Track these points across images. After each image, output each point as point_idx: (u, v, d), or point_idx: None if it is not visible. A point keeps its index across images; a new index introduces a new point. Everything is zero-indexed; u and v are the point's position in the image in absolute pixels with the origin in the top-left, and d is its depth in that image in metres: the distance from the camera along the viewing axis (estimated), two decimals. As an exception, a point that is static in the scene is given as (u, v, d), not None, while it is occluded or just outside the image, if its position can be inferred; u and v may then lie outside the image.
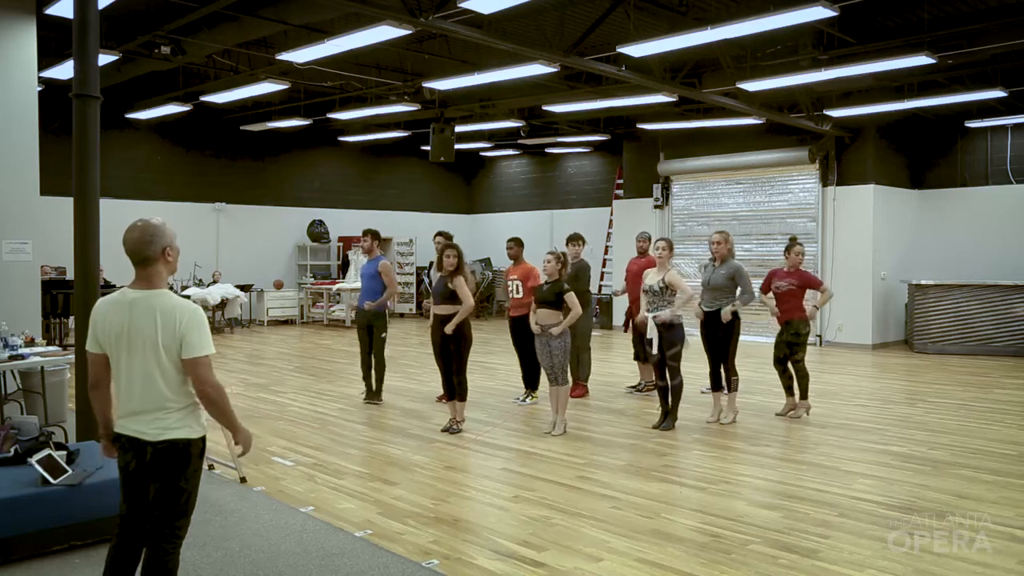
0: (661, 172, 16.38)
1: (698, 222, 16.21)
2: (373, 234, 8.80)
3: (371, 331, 8.60)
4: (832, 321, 14.21)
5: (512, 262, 8.79)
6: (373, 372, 8.69)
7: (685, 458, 6.48)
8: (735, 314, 7.52)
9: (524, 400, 8.67)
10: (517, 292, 8.50)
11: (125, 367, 3.06)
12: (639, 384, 9.23)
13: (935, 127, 14.17)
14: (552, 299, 7.10)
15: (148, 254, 3.04)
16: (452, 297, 7.14)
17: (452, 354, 7.22)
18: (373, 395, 8.71)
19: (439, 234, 8.50)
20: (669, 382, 7.34)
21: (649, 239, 9.16)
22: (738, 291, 7.52)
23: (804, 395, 7.89)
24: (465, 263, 7.38)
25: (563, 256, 7.28)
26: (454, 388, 7.30)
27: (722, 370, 7.63)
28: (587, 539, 4.58)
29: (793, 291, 7.81)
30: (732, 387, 7.70)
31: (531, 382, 8.71)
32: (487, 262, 19.96)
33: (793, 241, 8.12)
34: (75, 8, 5.57)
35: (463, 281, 7.17)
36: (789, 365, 7.89)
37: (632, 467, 6.16)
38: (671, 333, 7.22)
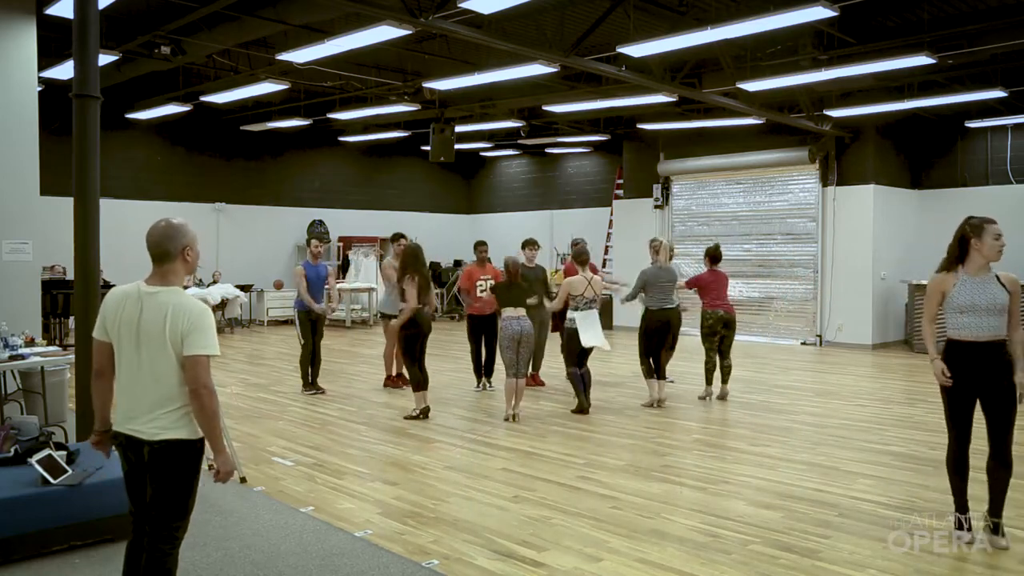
0: (661, 172, 16.38)
1: (698, 222, 16.21)
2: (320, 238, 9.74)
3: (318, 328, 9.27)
4: (832, 321, 14.22)
5: (480, 264, 9.56)
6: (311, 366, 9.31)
7: (685, 458, 6.48)
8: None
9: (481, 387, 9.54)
10: (489, 293, 9.03)
11: (132, 361, 3.07)
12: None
13: (935, 127, 14.16)
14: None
15: (167, 249, 3.09)
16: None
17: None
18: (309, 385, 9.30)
19: (401, 237, 9.34)
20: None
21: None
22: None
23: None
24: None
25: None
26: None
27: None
28: (587, 539, 4.58)
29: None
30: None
31: (489, 372, 9.56)
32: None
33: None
34: (75, 8, 5.57)
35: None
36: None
37: (632, 467, 6.17)
38: (568, 332, 8.07)
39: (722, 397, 8.78)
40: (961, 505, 4.52)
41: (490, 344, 9.37)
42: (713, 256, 8.96)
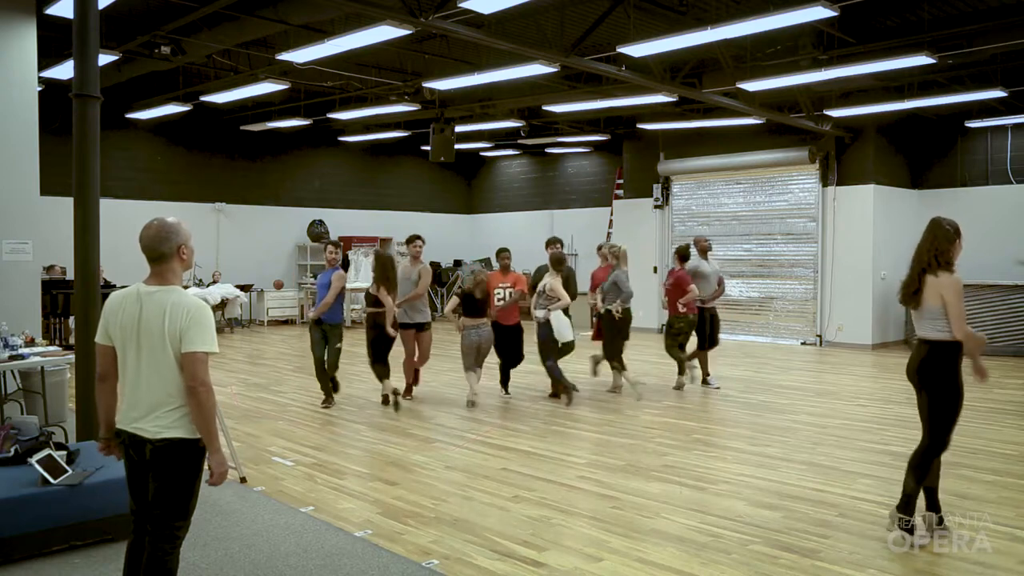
0: (661, 172, 16.38)
1: (698, 222, 16.21)
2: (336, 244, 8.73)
3: (327, 339, 8.36)
4: (832, 321, 14.21)
5: (503, 271, 9.23)
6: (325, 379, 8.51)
7: (685, 458, 6.48)
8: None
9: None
10: (510, 298, 8.88)
11: (132, 361, 3.08)
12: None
13: (935, 127, 14.16)
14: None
15: (163, 251, 3.10)
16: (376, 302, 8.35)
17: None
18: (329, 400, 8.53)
19: (417, 238, 9.04)
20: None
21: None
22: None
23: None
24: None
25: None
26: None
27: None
28: (587, 539, 4.58)
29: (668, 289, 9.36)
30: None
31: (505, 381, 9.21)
32: (487, 262, 19.97)
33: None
34: (75, 8, 5.56)
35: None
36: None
37: (632, 467, 6.17)
38: (541, 329, 8.65)
39: (679, 388, 9.36)
40: (932, 504, 4.61)
41: (508, 353, 8.96)
42: (683, 256, 9.38)
